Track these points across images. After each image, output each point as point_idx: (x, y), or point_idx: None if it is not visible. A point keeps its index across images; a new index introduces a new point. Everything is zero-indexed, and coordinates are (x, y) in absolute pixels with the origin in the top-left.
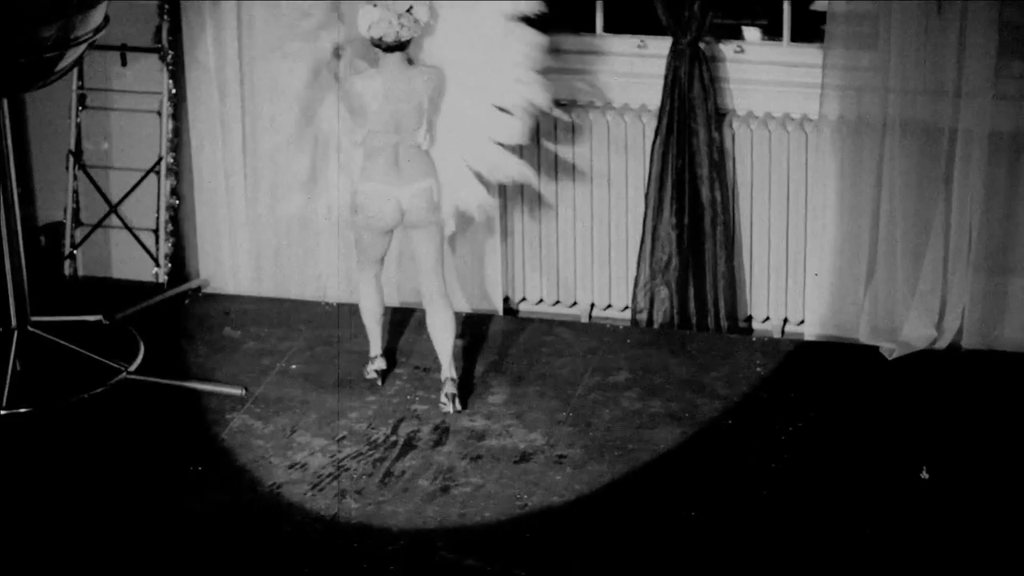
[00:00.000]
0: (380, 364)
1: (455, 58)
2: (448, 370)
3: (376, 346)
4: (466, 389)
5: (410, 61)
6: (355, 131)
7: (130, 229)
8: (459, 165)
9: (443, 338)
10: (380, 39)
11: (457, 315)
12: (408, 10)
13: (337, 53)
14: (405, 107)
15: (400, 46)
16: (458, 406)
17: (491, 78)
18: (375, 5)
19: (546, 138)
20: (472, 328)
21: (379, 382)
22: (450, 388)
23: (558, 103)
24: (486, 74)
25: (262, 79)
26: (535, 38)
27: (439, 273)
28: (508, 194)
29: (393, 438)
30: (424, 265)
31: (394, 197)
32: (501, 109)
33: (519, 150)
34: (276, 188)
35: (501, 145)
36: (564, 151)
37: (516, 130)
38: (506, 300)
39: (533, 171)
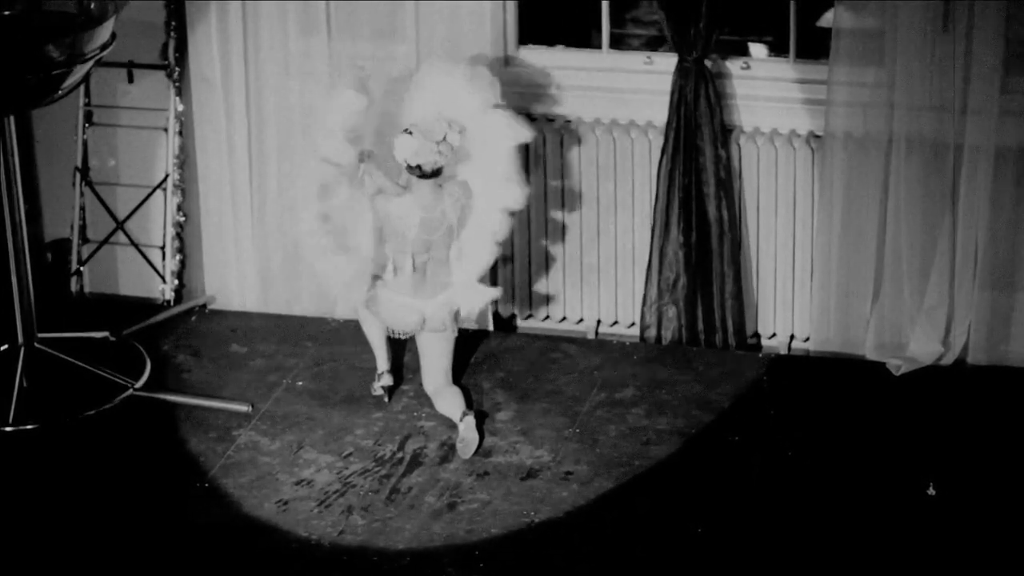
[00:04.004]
0: (387, 380)
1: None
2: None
3: (382, 361)
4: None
5: (439, 184)
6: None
7: (136, 246)
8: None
9: (455, 412)
10: (419, 167)
11: (463, 389)
12: (443, 138)
13: (362, 157)
14: (438, 233)
15: (435, 173)
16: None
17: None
18: (411, 133)
19: (553, 154)
20: (478, 345)
21: (386, 399)
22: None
23: (567, 121)
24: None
25: (269, 97)
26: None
27: (447, 372)
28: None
29: (400, 455)
30: (434, 366)
31: (418, 311)
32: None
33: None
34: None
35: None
36: (569, 168)
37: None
38: (512, 317)
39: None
